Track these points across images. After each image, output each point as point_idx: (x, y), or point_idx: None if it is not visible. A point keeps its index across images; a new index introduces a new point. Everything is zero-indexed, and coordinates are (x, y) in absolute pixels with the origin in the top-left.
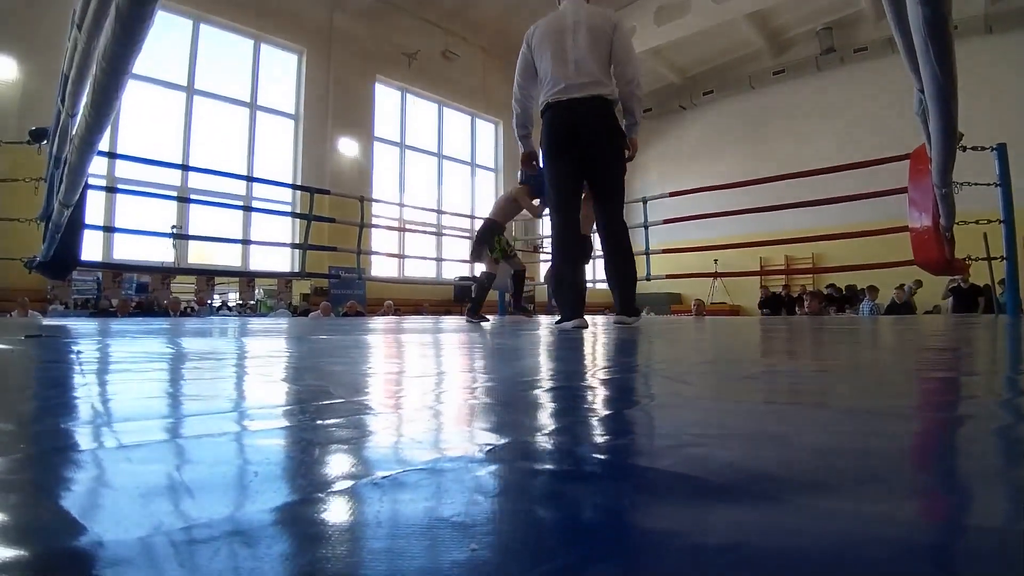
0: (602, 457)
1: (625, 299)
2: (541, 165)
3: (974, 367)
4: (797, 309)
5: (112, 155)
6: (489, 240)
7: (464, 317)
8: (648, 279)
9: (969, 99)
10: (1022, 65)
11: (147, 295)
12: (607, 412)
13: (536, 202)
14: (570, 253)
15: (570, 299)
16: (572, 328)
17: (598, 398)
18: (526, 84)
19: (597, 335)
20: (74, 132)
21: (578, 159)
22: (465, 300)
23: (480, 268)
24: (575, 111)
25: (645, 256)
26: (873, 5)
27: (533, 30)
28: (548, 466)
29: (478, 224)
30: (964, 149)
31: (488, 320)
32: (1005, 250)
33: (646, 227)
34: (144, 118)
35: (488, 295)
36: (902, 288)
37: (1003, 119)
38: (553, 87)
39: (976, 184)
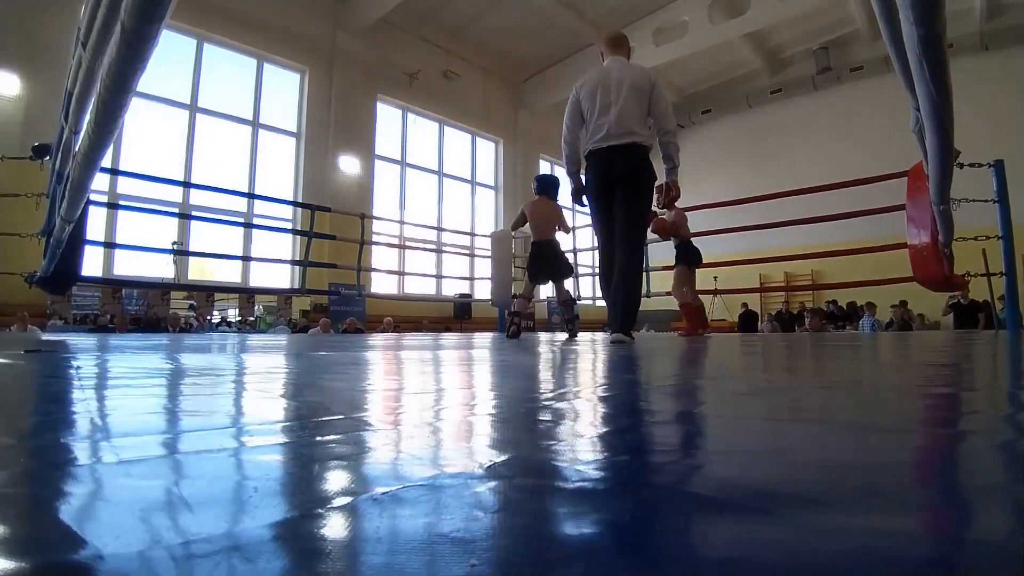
0: (602, 473)
1: (623, 319)
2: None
3: (975, 382)
4: (797, 326)
5: (114, 171)
6: (562, 255)
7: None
8: (648, 296)
9: (966, 116)
10: (1018, 82)
11: (146, 311)
12: (607, 429)
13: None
14: (605, 278)
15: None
16: (613, 340)
17: (598, 415)
18: (574, 128)
19: (597, 352)
20: (77, 148)
21: (613, 198)
22: (464, 317)
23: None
24: (612, 156)
25: (645, 273)
26: (869, 25)
27: (583, 83)
28: (548, 482)
29: (479, 241)
30: (961, 166)
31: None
32: (1004, 266)
33: (645, 244)
34: (147, 135)
35: (470, 309)
36: (903, 305)
37: (1000, 136)
38: (595, 136)
39: (974, 200)
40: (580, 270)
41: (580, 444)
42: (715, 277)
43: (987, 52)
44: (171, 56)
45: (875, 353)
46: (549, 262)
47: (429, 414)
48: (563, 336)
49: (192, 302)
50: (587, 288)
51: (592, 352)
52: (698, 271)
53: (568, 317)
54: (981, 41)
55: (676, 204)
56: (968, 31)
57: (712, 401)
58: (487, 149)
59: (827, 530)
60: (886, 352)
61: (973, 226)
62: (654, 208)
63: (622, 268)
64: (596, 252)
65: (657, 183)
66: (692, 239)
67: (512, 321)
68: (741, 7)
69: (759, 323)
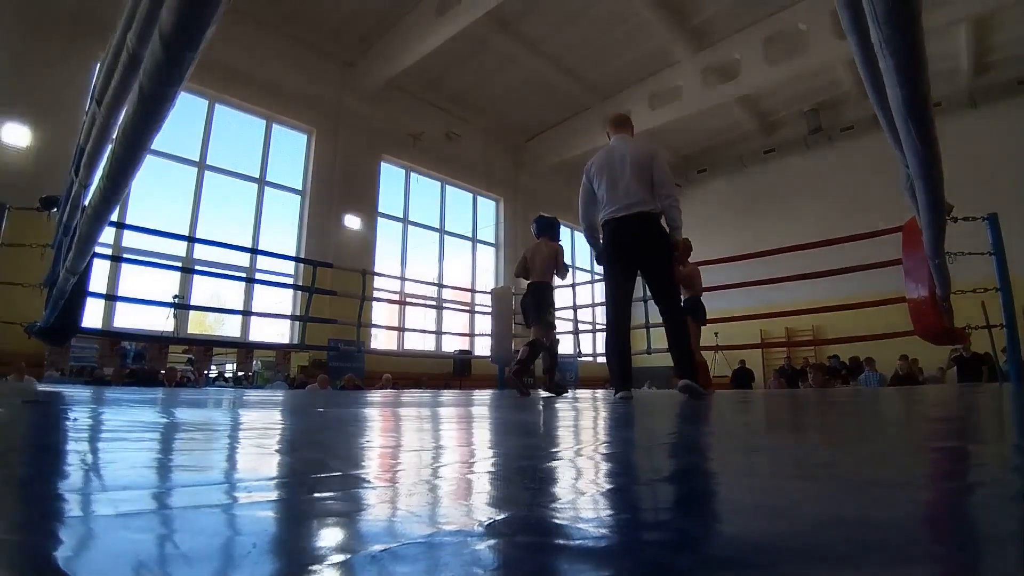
0: (602, 531)
1: (689, 366)
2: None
3: (983, 435)
4: (800, 382)
5: (120, 225)
6: (552, 302)
7: (545, 389)
8: (649, 353)
9: (958, 170)
10: (1009, 136)
11: (144, 364)
12: (608, 487)
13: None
14: (618, 344)
15: (618, 375)
16: (619, 399)
17: (600, 473)
18: (588, 208)
19: (600, 409)
20: (87, 202)
21: (630, 265)
22: (464, 373)
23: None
24: (626, 227)
25: (645, 330)
26: (857, 86)
27: (591, 164)
28: (547, 540)
29: (479, 298)
30: (955, 220)
31: (567, 392)
32: (1004, 318)
33: (645, 301)
34: (154, 190)
35: (470, 365)
36: (907, 359)
37: (994, 189)
38: (608, 208)
39: (971, 254)
40: (580, 327)
41: (579, 502)
42: (716, 333)
43: (976, 108)
44: (183, 115)
45: (886, 407)
46: (536, 302)
47: (427, 471)
48: (562, 396)
49: (191, 356)
50: (587, 345)
51: (595, 411)
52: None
53: (545, 367)
54: (970, 97)
55: (690, 260)
56: (956, 89)
57: (719, 458)
58: (488, 207)
59: None
60: (895, 407)
61: (972, 279)
62: None
63: (673, 320)
64: (599, 309)
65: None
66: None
67: (514, 378)
68: (733, 72)
69: (756, 379)
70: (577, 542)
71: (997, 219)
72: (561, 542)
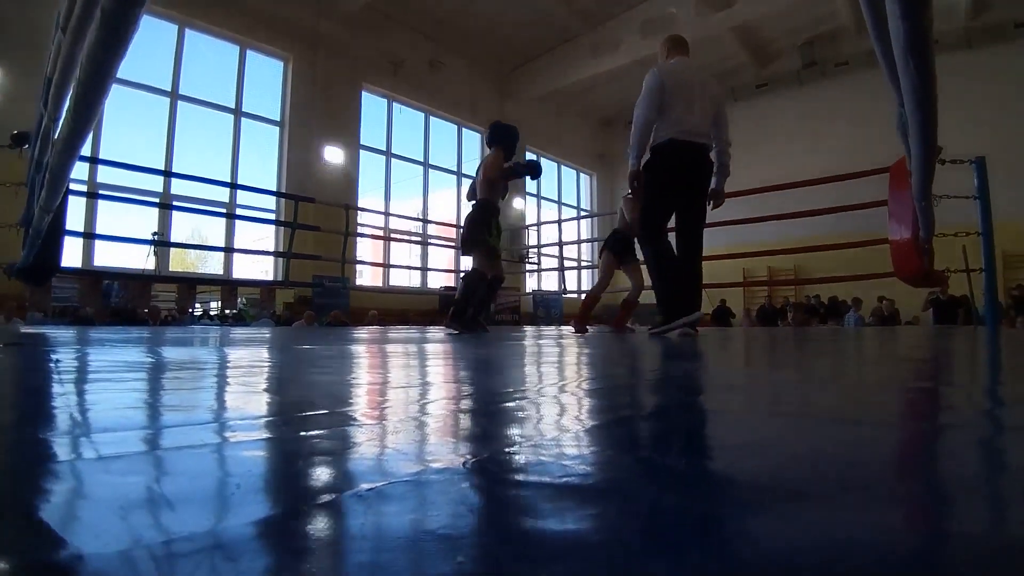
0: (588, 468)
1: (697, 301)
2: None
3: (955, 378)
4: (780, 321)
5: (94, 160)
6: (486, 221)
7: (445, 323)
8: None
9: (948, 113)
10: (1001, 79)
11: (127, 303)
12: (593, 423)
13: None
14: (671, 268)
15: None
16: (681, 330)
17: (584, 409)
18: (652, 114)
19: (590, 344)
20: (56, 136)
21: (680, 193)
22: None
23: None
24: (692, 153)
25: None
26: (854, 19)
27: (663, 73)
28: (534, 478)
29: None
30: (943, 163)
31: (486, 330)
32: (984, 262)
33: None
34: (127, 123)
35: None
36: (883, 301)
37: (982, 132)
38: (675, 127)
39: (955, 197)
40: (544, 263)
41: (566, 439)
42: None
43: (971, 49)
44: (152, 42)
45: (859, 348)
46: (468, 224)
47: (414, 408)
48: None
49: (159, 294)
50: (572, 282)
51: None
52: None
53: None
54: (966, 38)
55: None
56: (953, 27)
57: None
58: (473, 140)
59: (811, 523)
60: (869, 347)
61: (954, 222)
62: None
63: (697, 257)
64: (584, 246)
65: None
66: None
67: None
68: (728, 0)
69: (736, 318)
70: (562, 479)
71: (984, 163)
72: (547, 480)
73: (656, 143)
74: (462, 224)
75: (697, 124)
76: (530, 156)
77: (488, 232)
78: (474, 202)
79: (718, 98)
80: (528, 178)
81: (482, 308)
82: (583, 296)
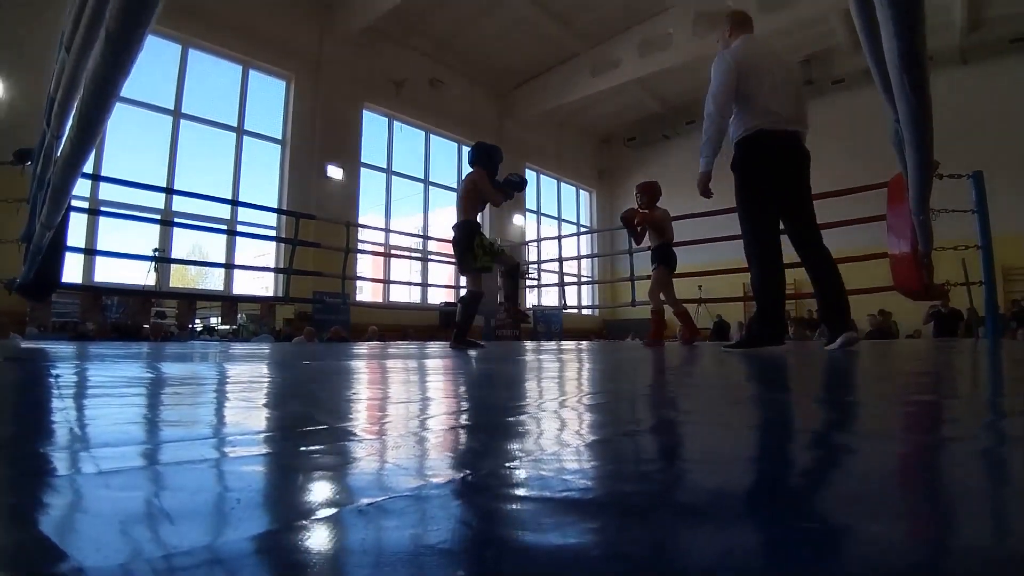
0: (588, 483)
1: (847, 316)
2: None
3: (959, 390)
4: None
5: (96, 177)
6: (469, 243)
7: (449, 344)
8: (633, 305)
9: (946, 128)
10: (997, 94)
11: (127, 319)
12: (593, 438)
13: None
14: (779, 280)
15: (778, 324)
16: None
17: (584, 424)
18: (728, 105)
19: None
20: (59, 154)
21: (780, 191)
22: (450, 326)
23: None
24: (788, 143)
25: (630, 282)
26: (850, 38)
27: (741, 55)
28: (534, 493)
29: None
30: (941, 177)
31: (482, 345)
32: (983, 275)
33: (631, 253)
34: (130, 141)
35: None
36: (883, 314)
37: (979, 147)
38: (764, 116)
39: (954, 211)
40: (544, 279)
41: (566, 454)
42: (699, 286)
43: (967, 65)
44: (155, 61)
45: (859, 362)
46: (457, 246)
47: (414, 424)
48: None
49: (159, 309)
50: (572, 297)
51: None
52: (682, 280)
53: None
54: (961, 54)
55: (661, 208)
56: (948, 44)
57: (702, 410)
58: None
59: (810, 536)
60: (870, 361)
61: (953, 236)
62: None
63: (832, 272)
64: (584, 262)
65: (640, 183)
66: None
67: (455, 332)
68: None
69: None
70: (563, 494)
71: (982, 177)
72: (547, 495)
73: (742, 136)
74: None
75: (787, 109)
76: (529, 173)
77: (474, 255)
78: (457, 224)
79: (799, 75)
80: (515, 192)
81: (515, 297)
82: (582, 311)
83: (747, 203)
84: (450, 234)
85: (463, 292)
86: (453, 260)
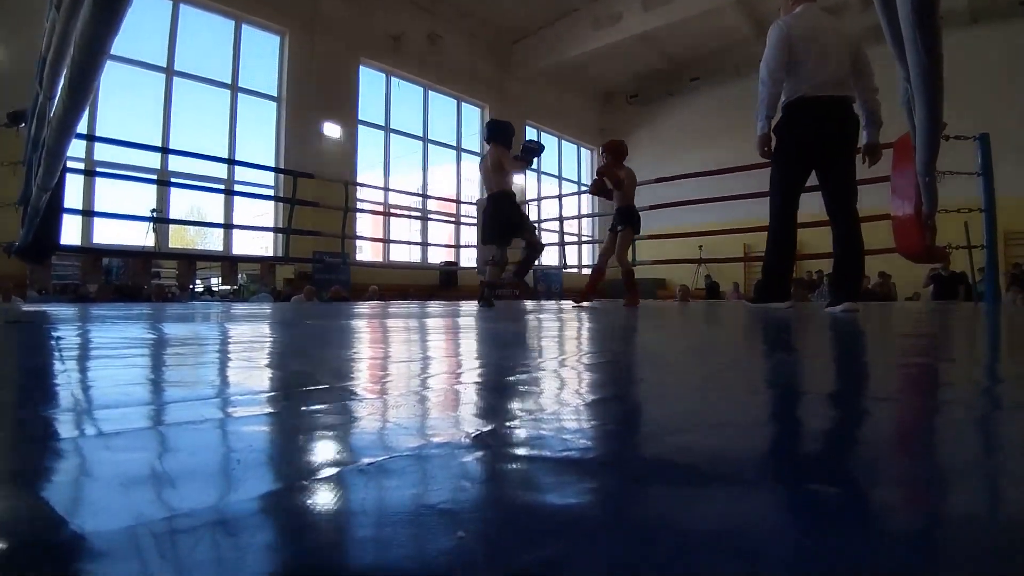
0: (589, 443)
1: (853, 288)
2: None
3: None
4: None
5: (91, 138)
6: (517, 212)
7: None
8: (634, 264)
9: (953, 89)
10: (1006, 56)
11: (127, 280)
12: (594, 398)
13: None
14: (790, 248)
15: (782, 284)
16: (785, 308)
17: (584, 384)
18: (781, 69)
19: (601, 317)
20: (52, 115)
21: (815, 157)
22: (450, 285)
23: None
24: (830, 109)
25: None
26: None
27: (789, 24)
28: (535, 452)
29: (465, 208)
30: (947, 139)
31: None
32: (985, 239)
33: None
34: (123, 100)
35: (456, 277)
36: (883, 276)
37: (986, 109)
38: (809, 81)
39: (958, 173)
40: (545, 238)
41: (567, 414)
42: (700, 247)
43: (976, 25)
44: (146, 18)
45: (862, 324)
46: (491, 220)
47: (415, 383)
48: (550, 304)
49: (158, 270)
50: (572, 256)
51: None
52: (683, 240)
53: (493, 281)
54: (971, 14)
55: (626, 163)
56: (958, 4)
57: (698, 372)
58: (473, 115)
59: (810, 501)
60: (874, 323)
61: (956, 199)
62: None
63: (854, 237)
64: (584, 221)
65: (606, 142)
66: (666, 208)
67: (481, 291)
68: None
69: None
70: (562, 454)
71: (988, 140)
72: (546, 454)
73: (787, 101)
74: (489, 217)
75: (834, 75)
76: (529, 131)
77: (523, 219)
78: (494, 195)
79: (856, 42)
80: (534, 157)
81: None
82: (583, 271)
83: (778, 164)
84: (448, 192)
85: (463, 251)
86: (452, 219)
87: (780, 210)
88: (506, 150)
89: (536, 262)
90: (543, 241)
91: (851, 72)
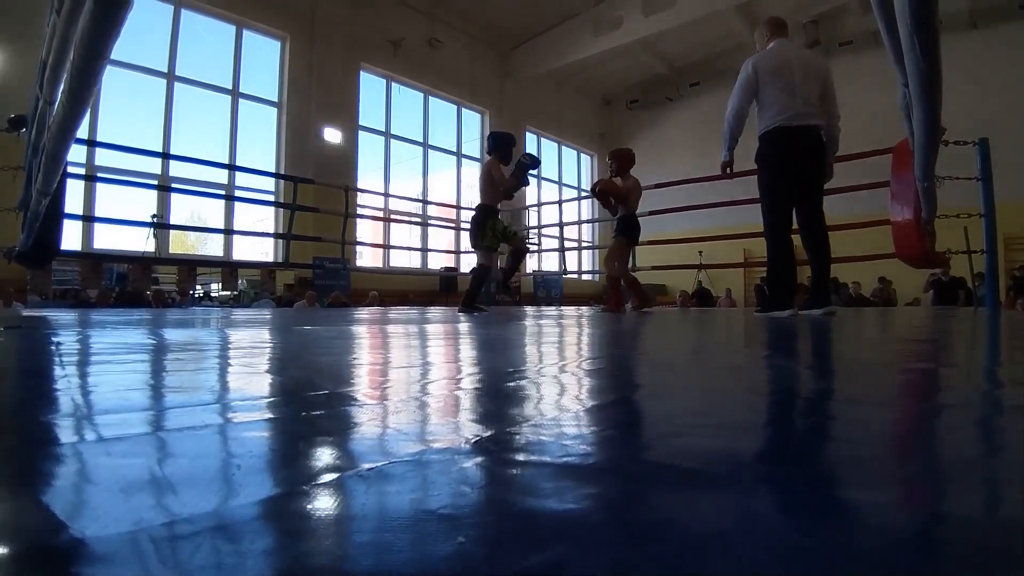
0: (588, 448)
1: (821, 286)
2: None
3: (955, 358)
4: None
5: (91, 143)
6: (482, 227)
7: (458, 309)
8: (633, 270)
9: (952, 94)
10: (1005, 60)
11: (128, 286)
12: (593, 402)
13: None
14: (790, 257)
15: (784, 294)
16: (787, 316)
17: (583, 388)
18: (745, 106)
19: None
20: (52, 119)
21: (794, 176)
22: (450, 291)
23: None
24: (799, 137)
25: (628, 250)
26: None
27: (758, 62)
28: (534, 457)
29: (465, 214)
30: (947, 144)
31: (484, 310)
32: (985, 244)
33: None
34: (124, 105)
35: (456, 283)
36: (883, 282)
37: (986, 114)
38: (780, 115)
39: (958, 179)
40: (545, 244)
41: (566, 418)
42: (700, 252)
43: (976, 29)
44: (147, 23)
45: (862, 329)
46: (473, 226)
47: (415, 388)
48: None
49: (158, 276)
50: (572, 262)
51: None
52: (682, 245)
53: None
54: (970, 18)
55: (632, 174)
56: (957, 8)
57: (699, 375)
58: (473, 120)
59: (809, 503)
60: (869, 328)
61: (956, 204)
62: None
63: (827, 246)
64: (584, 227)
65: (612, 150)
66: (666, 213)
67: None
68: None
69: (732, 296)
70: (562, 459)
71: (988, 145)
72: (547, 459)
73: (763, 131)
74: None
75: (801, 107)
76: (529, 136)
77: (483, 235)
78: (477, 205)
79: (822, 72)
80: (528, 171)
81: (510, 273)
82: (583, 276)
83: (764, 189)
84: (449, 197)
85: (464, 257)
86: (452, 225)
87: (775, 228)
88: (499, 164)
89: (518, 271)
90: (532, 247)
91: (820, 101)
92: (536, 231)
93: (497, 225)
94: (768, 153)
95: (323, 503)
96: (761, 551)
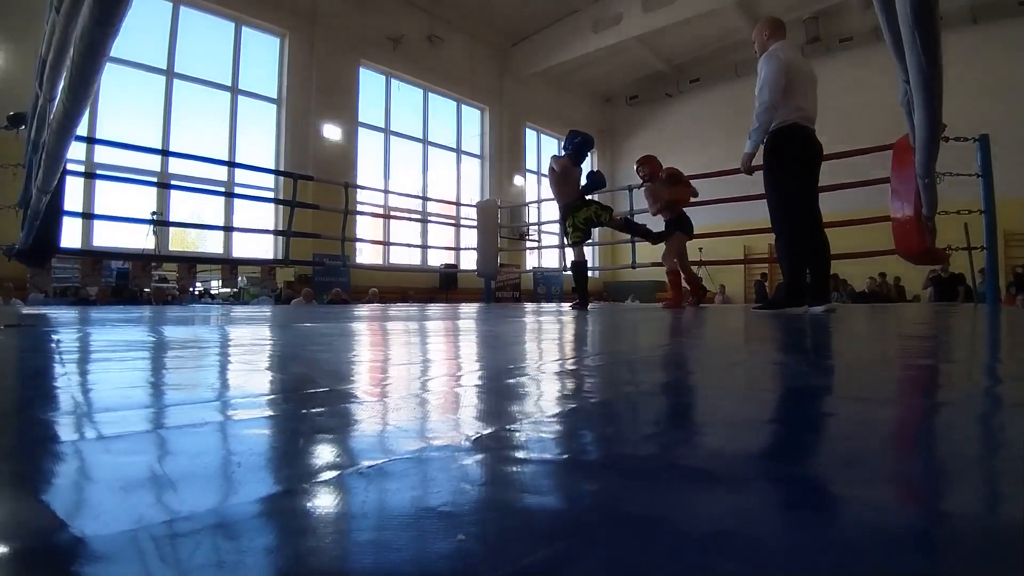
0: (588, 445)
1: (822, 283)
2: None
3: (958, 354)
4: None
5: (91, 140)
6: (563, 225)
7: (571, 306)
8: (633, 267)
9: (953, 90)
10: (1007, 56)
11: (127, 283)
12: (593, 400)
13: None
14: (811, 257)
15: (802, 291)
16: (801, 312)
17: (584, 385)
18: (780, 98)
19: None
20: (51, 117)
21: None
22: (450, 287)
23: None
24: (814, 137)
25: (631, 244)
26: None
27: (785, 56)
28: (534, 455)
29: (464, 211)
30: (947, 140)
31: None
32: (985, 240)
33: (632, 215)
34: (123, 102)
35: (456, 279)
36: (882, 277)
37: (986, 110)
38: (799, 112)
39: (958, 175)
40: (544, 240)
41: (567, 415)
42: (700, 248)
43: (977, 25)
44: (146, 20)
45: (861, 325)
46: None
47: (415, 386)
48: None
49: (160, 273)
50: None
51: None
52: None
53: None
54: (971, 13)
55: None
56: (958, 3)
57: (701, 373)
58: (473, 117)
59: (810, 501)
60: (864, 325)
61: (956, 200)
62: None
63: (826, 244)
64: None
65: (640, 158)
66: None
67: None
68: None
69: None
70: (561, 456)
71: (988, 141)
72: (547, 457)
73: (779, 126)
74: None
75: (812, 110)
76: (529, 132)
77: (566, 232)
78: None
79: (815, 81)
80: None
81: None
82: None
83: (781, 183)
84: (448, 194)
85: (463, 254)
86: (452, 222)
87: (795, 221)
88: (573, 166)
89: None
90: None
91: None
92: (536, 227)
93: (577, 218)
94: (788, 147)
95: (323, 501)
96: (762, 551)
